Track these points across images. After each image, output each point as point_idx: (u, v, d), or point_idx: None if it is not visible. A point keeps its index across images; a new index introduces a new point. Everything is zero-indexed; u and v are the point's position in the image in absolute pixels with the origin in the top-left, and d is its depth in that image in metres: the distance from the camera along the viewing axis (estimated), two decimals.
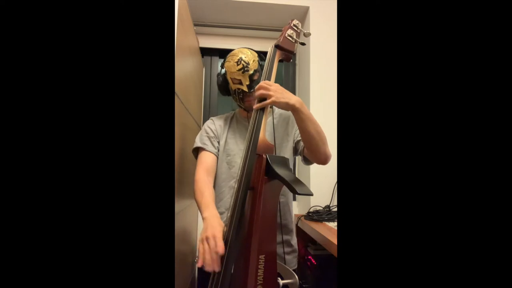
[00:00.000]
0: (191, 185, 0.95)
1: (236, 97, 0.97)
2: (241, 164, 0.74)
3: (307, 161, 0.96)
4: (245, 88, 0.94)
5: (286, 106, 0.78)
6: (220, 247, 0.65)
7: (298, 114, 0.80)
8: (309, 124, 0.81)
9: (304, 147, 0.92)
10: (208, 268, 0.65)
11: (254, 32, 1.89)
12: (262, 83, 0.79)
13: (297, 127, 0.85)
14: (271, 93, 0.76)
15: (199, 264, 0.66)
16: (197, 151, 1.01)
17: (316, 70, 1.64)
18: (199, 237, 0.72)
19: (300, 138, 0.94)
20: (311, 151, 0.88)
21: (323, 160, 0.89)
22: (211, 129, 1.02)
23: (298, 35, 0.89)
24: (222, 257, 0.66)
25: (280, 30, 0.90)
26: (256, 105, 0.78)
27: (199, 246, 0.68)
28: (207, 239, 0.67)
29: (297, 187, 0.62)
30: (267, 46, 0.89)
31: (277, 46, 0.86)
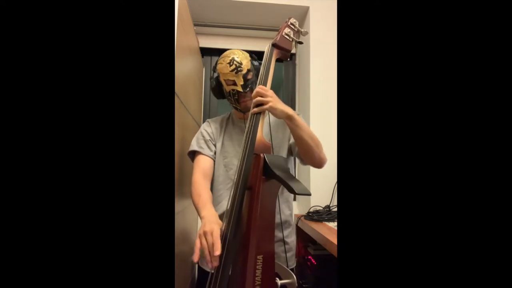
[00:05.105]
0: (190, 185, 0.95)
1: (231, 98, 0.96)
2: (238, 164, 0.74)
3: (304, 161, 0.96)
4: (239, 88, 0.93)
5: (281, 113, 0.79)
6: (217, 249, 0.63)
7: (292, 121, 0.80)
8: (303, 130, 0.82)
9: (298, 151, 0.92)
10: (209, 265, 0.64)
11: (254, 32, 1.89)
12: (259, 88, 0.79)
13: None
14: (268, 99, 0.77)
15: (195, 259, 0.65)
16: (193, 154, 1.00)
17: (316, 70, 1.64)
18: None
19: (292, 141, 0.94)
20: (306, 156, 0.89)
21: (318, 164, 0.90)
22: (207, 132, 1.01)
23: (295, 33, 0.88)
24: (220, 256, 0.66)
25: None
26: (253, 110, 0.78)
27: (196, 241, 0.67)
28: (205, 234, 0.66)
29: (295, 187, 0.62)
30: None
31: (274, 45, 0.86)
